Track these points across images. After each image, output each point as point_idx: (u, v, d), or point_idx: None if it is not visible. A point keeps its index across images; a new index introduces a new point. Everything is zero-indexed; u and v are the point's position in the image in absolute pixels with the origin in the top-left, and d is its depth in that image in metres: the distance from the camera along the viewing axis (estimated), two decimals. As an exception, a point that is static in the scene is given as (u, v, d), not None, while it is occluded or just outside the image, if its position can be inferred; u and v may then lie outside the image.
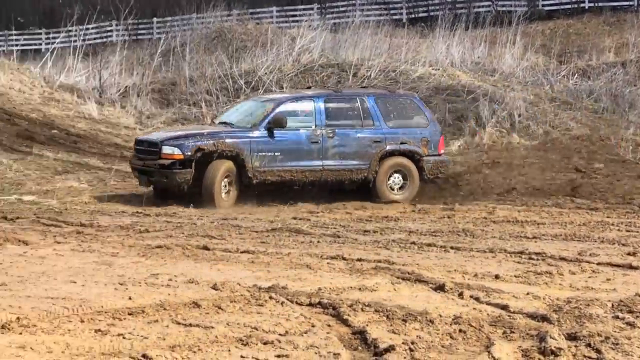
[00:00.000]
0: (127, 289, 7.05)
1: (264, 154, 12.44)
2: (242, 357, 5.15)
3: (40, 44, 39.71)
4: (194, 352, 5.06)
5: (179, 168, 12.06)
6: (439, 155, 13.44)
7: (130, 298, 6.64)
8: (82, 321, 6.42)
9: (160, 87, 24.07)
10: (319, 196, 12.77)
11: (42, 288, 7.80)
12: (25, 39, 41.25)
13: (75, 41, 30.25)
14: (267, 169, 12.37)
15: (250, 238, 9.87)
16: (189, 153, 12.06)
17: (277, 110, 12.96)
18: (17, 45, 37.00)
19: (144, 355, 4.92)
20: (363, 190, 12.89)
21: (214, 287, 6.88)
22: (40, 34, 41.88)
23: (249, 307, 6.38)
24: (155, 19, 39.17)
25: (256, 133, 12.80)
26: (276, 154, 12.56)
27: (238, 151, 12.25)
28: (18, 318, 6.60)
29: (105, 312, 6.50)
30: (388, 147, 12.93)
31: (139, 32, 38.39)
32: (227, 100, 22.70)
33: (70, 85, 25.65)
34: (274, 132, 12.72)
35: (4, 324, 6.45)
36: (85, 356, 5.47)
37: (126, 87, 24.79)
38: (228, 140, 12.35)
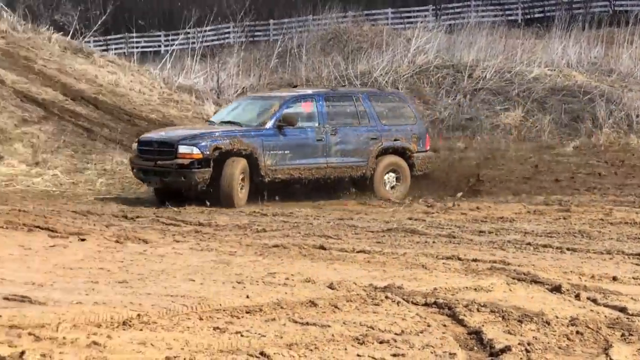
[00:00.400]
0: (244, 287, 7.17)
1: (275, 152, 12.61)
2: (358, 355, 5.20)
3: (160, 46, 40.59)
4: (311, 350, 5.13)
5: (197, 167, 12.09)
6: (426, 151, 13.89)
7: (247, 296, 6.75)
8: (200, 319, 6.57)
9: (277, 88, 24.79)
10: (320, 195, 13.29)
11: (162, 286, 8.10)
12: (145, 41, 42.28)
13: (193, 43, 31.46)
14: (278, 167, 12.56)
15: (366, 238, 10.03)
16: (208, 152, 12.10)
17: (286, 108, 13.14)
18: (137, 47, 38.29)
19: (261, 353, 5.00)
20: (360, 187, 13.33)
21: (330, 287, 6.98)
22: (160, 36, 42.88)
23: (365, 307, 6.45)
24: (271, 21, 39.94)
25: (268, 131, 12.93)
26: (286, 152, 12.72)
27: (252, 149, 12.34)
28: (139, 315, 6.81)
29: (224, 310, 6.62)
30: (385, 144, 13.29)
31: (256, 33, 39.20)
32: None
33: (188, 86, 26.51)
34: (285, 130, 12.87)
35: (125, 320, 6.66)
36: (204, 353, 5.65)
37: (243, 88, 25.58)
38: (244, 139, 12.45)
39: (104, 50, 33.40)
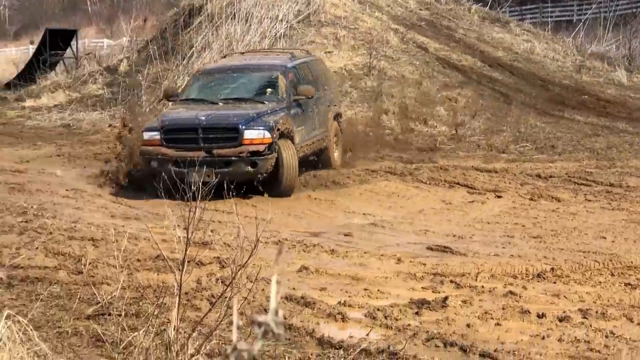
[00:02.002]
0: (655, 247, 7.20)
1: (299, 128, 11.14)
2: None
3: (572, 16, 40.24)
4: None
5: (268, 153, 10.12)
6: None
7: (657, 256, 6.79)
8: (612, 275, 6.75)
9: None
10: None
11: (574, 242, 8.22)
12: (559, 11, 41.84)
13: (605, 12, 30.42)
14: (302, 144, 11.10)
15: None
16: (275, 135, 10.26)
17: (291, 79, 11.51)
18: (551, 16, 37.97)
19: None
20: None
21: None
22: (572, 5, 42.53)
23: None
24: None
25: (294, 106, 11.40)
26: (302, 127, 11.28)
27: (291, 128, 10.80)
28: (552, 269, 7.06)
29: (635, 268, 6.70)
30: (334, 110, 12.50)
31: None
32: None
33: (600, 53, 25.80)
34: (301, 103, 11.46)
35: (539, 273, 6.96)
36: (616, 307, 5.81)
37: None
38: (288, 118, 10.90)
39: (519, 19, 33.86)
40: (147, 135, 9.95)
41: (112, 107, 20.45)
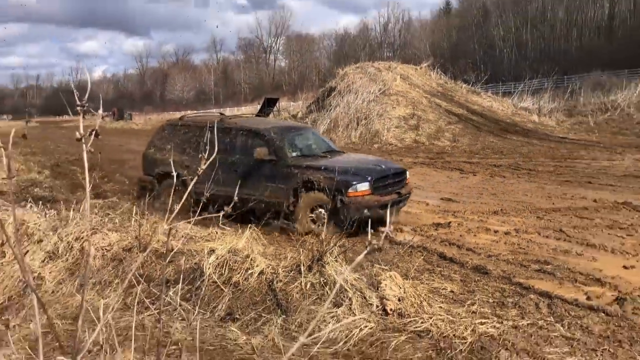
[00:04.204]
0: None
1: None
2: None
3: (512, 89, 36.61)
4: None
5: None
6: None
7: None
8: (530, 212, 7.59)
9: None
10: None
11: (512, 197, 9.15)
12: (505, 87, 40.66)
13: (526, 88, 30.15)
14: None
15: None
16: None
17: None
18: (501, 89, 37.53)
19: None
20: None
21: None
22: (512, 84, 40.02)
23: None
24: None
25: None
26: None
27: None
28: (501, 209, 7.90)
29: (541, 209, 7.37)
30: None
31: None
32: None
33: (525, 107, 27.44)
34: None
35: (495, 211, 7.60)
36: (532, 228, 6.82)
37: None
38: None
39: (486, 91, 31.12)
40: (361, 187, 7.92)
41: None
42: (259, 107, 34.67)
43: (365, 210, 7.70)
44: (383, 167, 8.61)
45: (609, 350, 4.03)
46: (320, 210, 7.84)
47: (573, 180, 11.46)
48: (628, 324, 4.59)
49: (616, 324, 4.61)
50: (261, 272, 5.08)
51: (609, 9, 62.79)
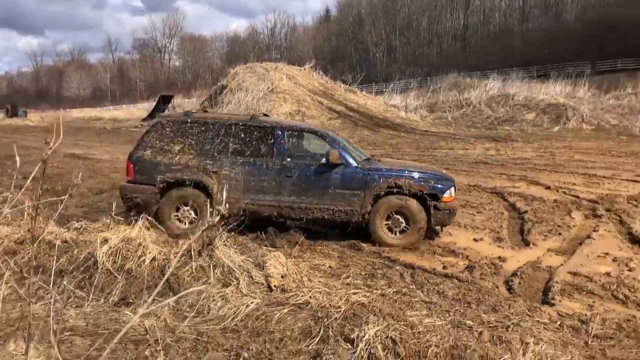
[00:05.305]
0: None
1: None
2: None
3: (382, 89, 38.80)
4: None
5: None
6: None
7: None
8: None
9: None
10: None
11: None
12: (377, 86, 42.70)
13: (396, 87, 32.80)
14: None
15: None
16: None
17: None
18: (374, 89, 39.88)
19: None
20: None
21: None
22: (383, 84, 42.42)
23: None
24: None
25: None
26: None
27: None
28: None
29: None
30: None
31: None
32: None
33: (394, 104, 29.46)
34: None
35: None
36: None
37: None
38: None
39: (361, 90, 32.16)
40: (452, 192, 6.76)
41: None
42: (154, 104, 34.45)
43: (453, 216, 6.72)
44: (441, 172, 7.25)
45: (459, 311, 4.26)
46: (397, 216, 6.62)
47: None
48: (476, 288, 4.94)
49: (466, 288, 4.94)
50: (153, 259, 4.94)
51: (463, 20, 67.31)
